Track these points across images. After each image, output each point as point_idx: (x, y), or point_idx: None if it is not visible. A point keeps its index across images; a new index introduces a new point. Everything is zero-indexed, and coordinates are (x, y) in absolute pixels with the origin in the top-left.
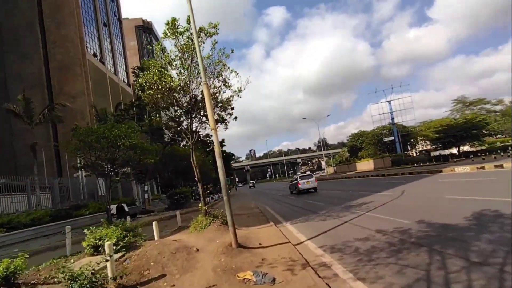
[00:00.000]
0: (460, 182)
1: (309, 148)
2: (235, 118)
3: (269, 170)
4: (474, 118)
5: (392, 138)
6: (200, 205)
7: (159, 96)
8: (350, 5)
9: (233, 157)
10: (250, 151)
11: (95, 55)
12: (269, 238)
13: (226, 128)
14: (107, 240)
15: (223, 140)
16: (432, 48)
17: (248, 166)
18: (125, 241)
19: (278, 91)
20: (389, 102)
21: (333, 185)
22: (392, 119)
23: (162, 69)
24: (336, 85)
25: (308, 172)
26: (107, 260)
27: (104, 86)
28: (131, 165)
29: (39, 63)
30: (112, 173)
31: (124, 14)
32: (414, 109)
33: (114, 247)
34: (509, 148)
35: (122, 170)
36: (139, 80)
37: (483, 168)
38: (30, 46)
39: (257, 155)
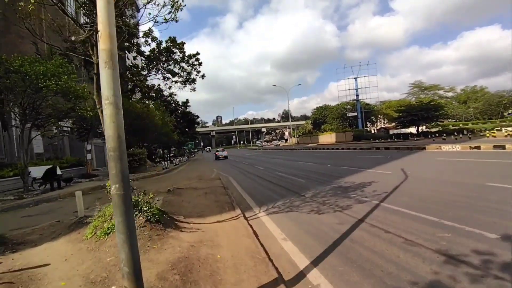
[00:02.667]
0: (471, 163)
1: (274, 118)
2: (203, 76)
3: (234, 136)
4: (432, 100)
5: (355, 113)
6: (107, 184)
7: None
8: None
9: (198, 119)
10: (217, 117)
11: None
12: (236, 258)
13: (194, 89)
14: None
15: (187, 100)
16: (390, 37)
17: (214, 132)
18: None
19: (247, 62)
20: (355, 79)
21: (303, 156)
22: (357, 95)
23: None
24: (302, 62)
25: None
26: None
27: (62, 31)
28: (67, 116)
29: None
30: (45, 126)
31: None
32: (377, 88)
33: None
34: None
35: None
36: None
37: (478, 148)
38: None
39: (224, 122)
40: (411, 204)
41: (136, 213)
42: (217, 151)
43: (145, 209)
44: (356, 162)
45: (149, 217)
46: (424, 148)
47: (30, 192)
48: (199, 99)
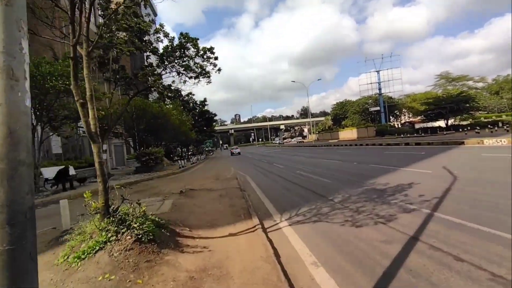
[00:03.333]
0: None
1: (292, 115)
2: (219, 69)
3: (252, 134)
4: (462, 91)
5: (378, 108)
6: (85, 194)
7: None
8: None
9: (215, 117)
10: (235, 115)
11: None
12: None
13: (209, 82)
14: None
15: (205, 99)
16: (412, 28)
17: (232, 130)
18: None
19: (264, 60)
20: (377, 72)
21: (325, 153)
22: (380, 89)
23: None
24: (320, 58)
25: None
26: None
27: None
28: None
29: None
30: (61, 127)
31: None
32: (401, 81)
33: None
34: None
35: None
36: None
37: None
38: None
39: (242, 120)
40: (478, 215)
41: (123, 230)
42: (232, 148)
43: (135, 225)
44: (385, 159)
45: (140, 236)
46: (462, 143)
47: (40, 193)
48: (217, 99)
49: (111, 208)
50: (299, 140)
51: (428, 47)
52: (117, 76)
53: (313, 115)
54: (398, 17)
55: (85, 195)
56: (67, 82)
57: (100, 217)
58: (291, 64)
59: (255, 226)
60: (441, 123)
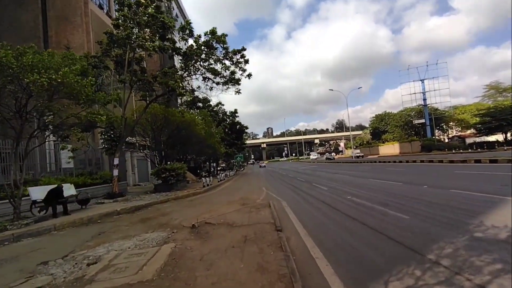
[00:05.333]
0: None
1: (327, 129)
2: (249, 75)
3: (285, 148)
4: None
5: (422, 120)
6: None
7: None
8: None
9: (246, 130)
10: (268, 129)
11: (100, 6)
12: None
13: (239, 91)
14: None
15: (235, 110)
16: (452, 38)
17: (264, 144)
18: None
19: (297, 72)
20: (422, 81)
21: (373, 172)
22: (424, 100)
23: None
24: (354, 69)
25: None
26: None
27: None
28: (85, 125)
29: (36, 11)
30: (68, 137)
31: None
32: (449, 90)
33: None
34: None
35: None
36: None
37: None
38: None
39: (274, 134)
40: None
41: None
42: (260, 162)
43: None
44: (464, 181)
45: None
46: None
47: (20, 221)
48: (249, 112)
49: None
50: (358, 155)
51: (470, 57)
52: (133, 78)
53: (349, 129)
54: (436, 27)
55: None
56: (53, 76)
57: None
58: (324, 76)
59: None
60: (497, 137)
